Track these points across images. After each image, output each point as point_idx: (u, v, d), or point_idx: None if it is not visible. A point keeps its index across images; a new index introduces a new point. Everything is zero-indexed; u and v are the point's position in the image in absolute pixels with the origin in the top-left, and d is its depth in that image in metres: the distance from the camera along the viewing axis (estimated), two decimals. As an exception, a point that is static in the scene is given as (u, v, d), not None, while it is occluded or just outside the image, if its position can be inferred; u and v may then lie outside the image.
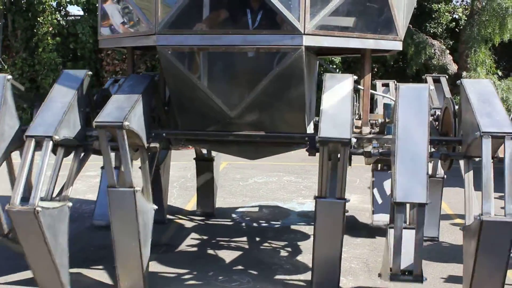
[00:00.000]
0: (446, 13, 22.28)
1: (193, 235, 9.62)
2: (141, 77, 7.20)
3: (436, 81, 9.33)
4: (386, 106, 7.73)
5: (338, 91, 6.61)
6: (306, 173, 15.22)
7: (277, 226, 10.38)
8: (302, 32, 6.42)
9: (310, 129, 7.56)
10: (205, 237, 9.48)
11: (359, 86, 7.40)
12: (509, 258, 5.75)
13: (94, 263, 7.98)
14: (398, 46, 7.27)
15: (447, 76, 9.63)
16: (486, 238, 5.66)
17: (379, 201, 9.33)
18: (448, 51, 21.38)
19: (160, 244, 8.87)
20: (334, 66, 20.12)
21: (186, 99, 7.10)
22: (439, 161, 7.38)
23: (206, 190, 10.75)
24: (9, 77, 6.72)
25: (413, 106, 6.37)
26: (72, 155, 6.86)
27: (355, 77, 6.95)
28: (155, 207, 6.91)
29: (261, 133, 7.15)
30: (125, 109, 6.38)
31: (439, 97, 8.85)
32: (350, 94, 6.57)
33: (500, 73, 21.40)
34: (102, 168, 9.26)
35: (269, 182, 14.39)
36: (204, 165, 10.68)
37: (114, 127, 6.24)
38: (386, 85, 9.71)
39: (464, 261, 6.15)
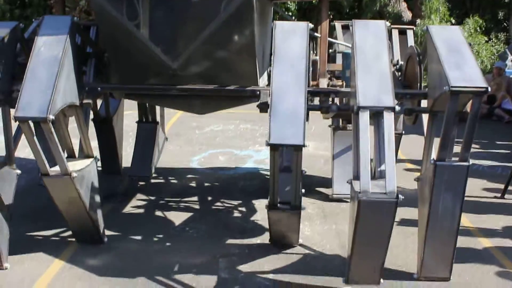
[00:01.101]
0: (403, -41, 21.34)
1: (149, 185, 9.03)
2: (59, 22, 5.97)
3: (402, 33, 8.34)
4: (345, 55, 6.81)
5: (291, 42, 5.65)
6: (262, 121, 14.40)
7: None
8: (252, -30, 5.46)
9: (263, 81, 6.64)
10: (161, 187, 8.99)
11: (315, 34, 6.49)
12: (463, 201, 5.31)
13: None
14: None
15: (414, 29, 8.64)
16: (440, 182, 5.20)
17: (340, 169, 8.10)
18: (403, -1, 20.64)
19: (116, 195, 8.38)
20: (290, 14, 19.09)
21: (123, 49, 6.10)
22: (402, 115, 6.56)
23: (143, 154, 9.28)
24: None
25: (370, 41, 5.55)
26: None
27: (311, 25, 6.01)
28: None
29: (207, 87, 6.21)
30: (47, 92, 5.27)
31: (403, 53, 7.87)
32: (305, 44, 5.60)
33: (453, 21, 20.73)
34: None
35: (226, 130, 13.73)
36: (145, 128, 9.30)
37: (37, 122, 5.24)
38: (347, 27, 8.44)
39: (419, 209, 5.71)
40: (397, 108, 5.11)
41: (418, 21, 19.72)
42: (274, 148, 5.10)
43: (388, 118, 4.96)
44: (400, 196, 4.77)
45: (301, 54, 5.40)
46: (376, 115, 4.99)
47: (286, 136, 5.02)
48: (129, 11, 5.89)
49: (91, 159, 6.12)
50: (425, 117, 6.14)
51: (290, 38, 5.57)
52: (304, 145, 4.96)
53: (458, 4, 22.89)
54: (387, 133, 4.90)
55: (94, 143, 6.94)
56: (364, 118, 4.95)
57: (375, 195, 4.76)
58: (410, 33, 8.50)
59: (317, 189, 8.58)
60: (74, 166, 5.71)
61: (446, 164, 5.16)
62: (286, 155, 5.83)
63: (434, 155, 5.42)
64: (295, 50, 5.45)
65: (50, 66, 5.37)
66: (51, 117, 5.12)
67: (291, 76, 5.31)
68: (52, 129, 5.20)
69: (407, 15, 20.40)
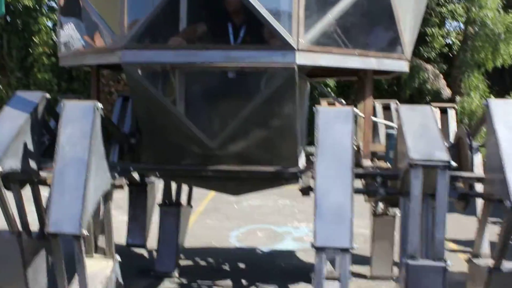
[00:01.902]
0: (440, 38, 20.96)
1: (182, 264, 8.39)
2: (81, 110, 5.31)
3: (443, 111, 7.77)
4: (388, 136, 6.30)
5: (334, 125, 5.16)
6: (301, 197, 13.87)
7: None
8: (295, 47, 5.04)
9: (302, 160, 6.14)
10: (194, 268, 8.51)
11: (358, 113, 6.01)
12: None
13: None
14: (403, 66, 5.91)
15: (456, 107, 8.08)
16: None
17: (380, 250, 7.70)
18: (441, 76, 20.16)
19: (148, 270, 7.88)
20: (329, 90, 18.74)
21: (158, 126, 5.69)
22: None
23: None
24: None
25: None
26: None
27: (356, 111, 5.54)
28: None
29: (245, 169, 5.73)
30: (77, 201, 4.67)
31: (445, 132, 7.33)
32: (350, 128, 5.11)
33: (493, 98, 20.14)
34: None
35: (263, 206, 13.31)
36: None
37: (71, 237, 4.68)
38: (388, 108, 7.96)
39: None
40: (453, 163, 4.60)
41: (458, 98, 19.21)
42: (320, 250, 4.51)
43: (442, 177, 4.47)
44: (449, 262, 4.36)
45: (346, 144, 4.89)
46: (428, 172, 4.55)
47: (333, 237, 4.45)
48: (165, 86, 5.53)
49: (112, 262, 5.45)
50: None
51: (335, 127, 5.05)
52: (352, 248, 4.39)
53: (498, 81, 22.31)
54: (442, 194, 4.40)
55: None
56: (416, 176, 4.50)
57: (423, 261, 4.41)
58: (451, 112, 7.95)
59: (355, 266, 7.96)
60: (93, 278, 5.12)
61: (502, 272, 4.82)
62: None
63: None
64: (340, 141, 4.93)
65: (77, 169, 4.79)
66: (85, 232, 4.63)
67: (336, 170, 4.77)
68: (83, 246, 4.71)
69: (446, 92, 19.91)
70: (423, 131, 4.91)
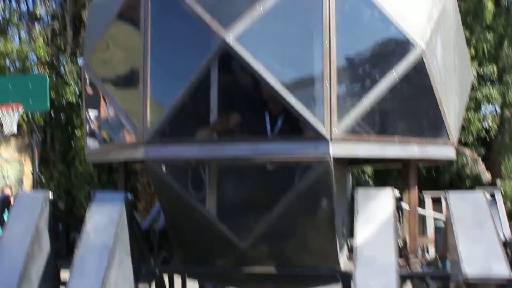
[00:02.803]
0: (476, 122, 20.28)
1: None
2: (111, 200, 5.06)
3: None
4: (438, 229, 5.61)
5: (375, 216, 4.56)
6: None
7: None
8: (329, 138, 4.50)
9: (343, 258, 5.47)
10: None
11: (403, 205, 5.37)
12: None
13: None
14: (450, 153, 5.31)
15: (502, 191, 7.40)
16: None
17: None
18: (480, 160, 19.34)
19: None
20: (366, 177, 18.03)
21: (184, 225, 5.13)
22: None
23: None
24: (51, 196, 4.97)
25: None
26: None
27: (397, 194, 4.93)
28: None
29: (279, 271, 5.07)
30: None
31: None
32: (392, 221, 4.50)
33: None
34: None
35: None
36: None
37: None
38: (438, 200, 7.23)
39: None
40: None
41: (499, 182, 18.31)
42: None
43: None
44: None
45: (389, 244, 4.27)
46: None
47: None
48: (192, 183, 5.00)
49: None
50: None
51: (375, 216, 4.47)
52: None
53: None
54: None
55: None
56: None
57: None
58: (498, 195, 7.24)
59: None
60: None
61: None
62: None
63: None
64: (383, 241, 4.31)
65: (100, 257, 4.39)
66: None
67: (378, 275, 4.12)
68: None
69: (486, 176, 19.03)
70: (477, 230, 4.25)
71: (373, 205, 4.66)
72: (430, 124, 5.12)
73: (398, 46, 4.85)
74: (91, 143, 5.76)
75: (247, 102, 4.96)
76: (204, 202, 5.02)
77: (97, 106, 5.59)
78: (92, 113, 5.69)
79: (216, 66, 4.73)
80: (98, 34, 5.39)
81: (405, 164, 5.72)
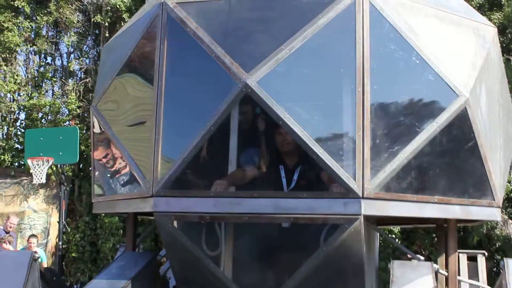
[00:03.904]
0: (507, 183, 19.26)
1: None
2: (139, 258, 4.52)
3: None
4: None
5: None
6: None
7: None
8: (360, 195, 3.81)
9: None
10: None
11: (440, 271, 4.61)
12: None
13: None
14: (494, 214, 4.56)
15: None
16: None
17: None
18: (510, 221, 18.27)
19: None
20: (393, 236, 17.02)
21: (195, 286, 4.41)
22: None
23: None
24: (37, 255, 4.45)
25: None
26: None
27: (436, 266, 4.20)
28: None
29: None
30: None
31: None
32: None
33: None
34: None
35: None
36: None
37: None
38: (473, 259, 6.34)
39: None
40: None
41: (529, 245, 17.22)
42: None
43: None
44: None
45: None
46: None
47: None
48: (208, 240, 4.32)
49: None
50: None
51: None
52: None
53: None
54: None
55: None
56: None
57: None
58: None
59: None
60: None
61: None
62: None
63: None
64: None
65: None
66: None
67: None
68: None
69: (516, 238, 17.94)
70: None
71: (411, 279, 3.92)
72: (474, 182, 4.39)
73: (439, 95, 4.18)
74: (99, 192, 5.12)
75: (268, 152, 4.29)
76: (219, 263, 4.33)
77: (105, 153, 4.97)
78: (99, 160, 5.07)
79: (236, 112, 4.11)
80: (109, 76, 4.84)
81: (439, 224, 5.01)
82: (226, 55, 4.05)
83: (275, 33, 4.12)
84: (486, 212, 4.47)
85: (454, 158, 4.29)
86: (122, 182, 4.75)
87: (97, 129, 5.02)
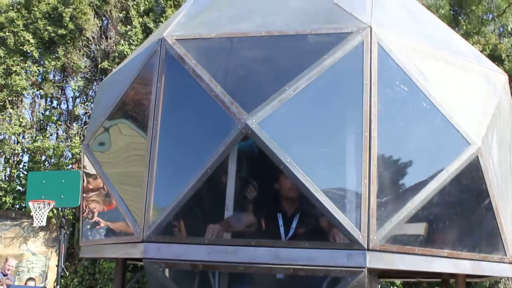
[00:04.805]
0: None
1: None
2: None
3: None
4: None
5: None
6: None
7: None
8: (365, 247, 3.45)
9: None
10: None
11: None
12: None
13: None
14: (506, 271, 4.15)
15: None
16: None
17: None
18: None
19: None
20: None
21: None
22: None
23: None
24: None
25: None
26: None
27: None
28: None
29: None
30: None
31: None
32: None
33: None
34: None
35: None
36: None
37: None
38: None
39: None
40: None
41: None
42: None
43: None
44: None
45: None
46: None
47: None
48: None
49: None
50: None
51: None
52: None
53: None
54: None
55: None
56: None
57: None
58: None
59: None
60: None
61: None
62: None
63: None
64: None
65: None
66: None
67: None
68: None
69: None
70: None
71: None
72: (485, 236, 4.02)
73: (450, 142, 3.85)
74: (86, 235, 4.74)
75: (267, 198, 3.93)
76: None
77: (94, 193, 4.61)
78: (88, 201, 4.71)
79: (235, 154, 3.78)
80: (102, 115, 4.52)
81: (445, 279, 4.62)
82: (226, 95, 3.75)
83: (278, 73, 3.83)
84: (497, 268, 4.08)
85: (465, 210, 3.93)
86: (111, 225, 4.38)
87: (88, 169, 4.68)
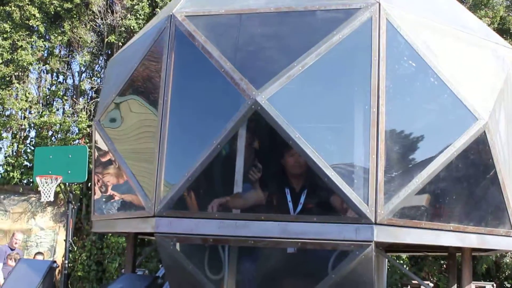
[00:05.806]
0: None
1: None
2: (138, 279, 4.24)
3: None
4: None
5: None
6: None
7: None
8: (373, 221, 3.52)
9: None
10: None
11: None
12: None
13: None
14: (512, 244, 4.24)
15: None
16: None
17: None
18: (522, 250, 17.79)
19: None
20: (401, 262, 16.52)
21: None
22: None
23: None
24: (55, 264, 4.76)
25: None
26: None
27: None
28: None
29: None
30: None
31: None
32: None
33: None
34: None
35: None
36: None
37: None
38: None
39: None
40: None
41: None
42: None
43: None
44: None
45: None
46: None
47: None
48: (210, 264, 4.03)
49: None
50: None
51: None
52: None
53: None
54: None
55: None
56: None
57: None
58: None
59: None
60: None
61: None
62: None
63: None
64: None
65: None
66: None
67: None
68: None
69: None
70: None
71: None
72: (491, 210, 4.10)
73: (457, 117, 3.91)
74: (98, 211, 4.84)
75: (276, 173, 4.01)
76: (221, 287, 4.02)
77: (107, 169, 4.70)
78: (100, 177, 4.80)
79: (244, 130, 3.84)
80: (113, 91, 4.59)
81: (451, 252, 4.70)
82: (236, 71, 3.80)
83: (287, 49, 3.88)
84: (503, 241, 4.16)
85: (471, 184, 4.00)
86: (123, 200, 4.47)
87: (99, 145, 4.76)
